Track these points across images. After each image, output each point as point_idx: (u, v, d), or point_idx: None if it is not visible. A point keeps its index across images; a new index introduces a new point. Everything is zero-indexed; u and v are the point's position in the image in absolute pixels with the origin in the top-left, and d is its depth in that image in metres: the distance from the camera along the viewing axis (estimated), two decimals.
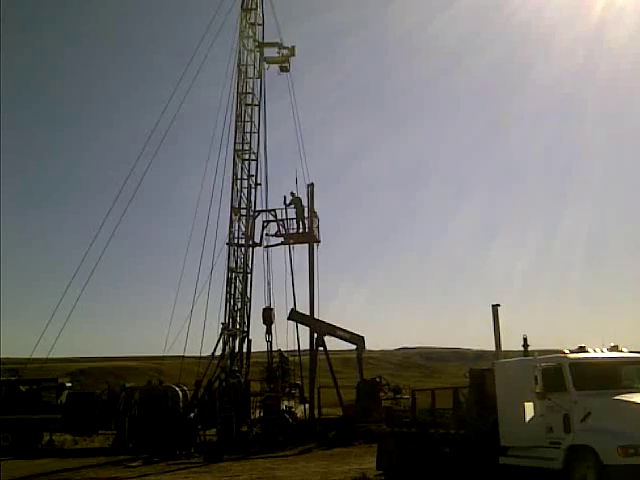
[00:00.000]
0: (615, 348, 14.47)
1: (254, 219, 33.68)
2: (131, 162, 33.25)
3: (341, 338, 34.43)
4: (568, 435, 12.87)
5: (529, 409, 13.88)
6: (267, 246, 34.48)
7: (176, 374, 34.53)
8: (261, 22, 34.47)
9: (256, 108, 33.75)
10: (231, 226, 32.56)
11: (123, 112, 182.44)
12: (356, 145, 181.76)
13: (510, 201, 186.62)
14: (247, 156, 33.21)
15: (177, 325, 31.71)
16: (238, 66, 33.45)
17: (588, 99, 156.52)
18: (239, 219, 32.87)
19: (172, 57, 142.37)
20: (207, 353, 31.52)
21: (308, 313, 33.92)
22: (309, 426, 30.91)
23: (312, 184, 34.83)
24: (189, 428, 29.61)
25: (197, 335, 31.23)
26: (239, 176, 32.94)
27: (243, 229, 32.88)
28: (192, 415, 30.25)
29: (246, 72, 33.59)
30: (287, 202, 34.40)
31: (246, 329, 32.49)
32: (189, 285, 32.27)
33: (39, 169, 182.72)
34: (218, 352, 31.10)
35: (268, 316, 33.06)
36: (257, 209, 33.79)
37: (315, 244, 34.89)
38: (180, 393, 30.74)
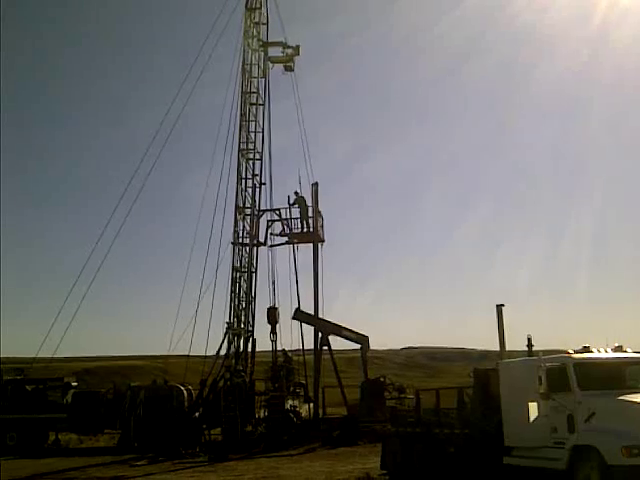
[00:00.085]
0: (619, 348, 14.46)
1: (258, 218, 33.77)
2: (135, 162, 33.43)
3: (346, 338, 34.43)
4: (572, 435, 12.87)
5: (533, 409, 13.90)
6: (271, 245, 34.57)
7: (181, 373, 34.59)
8: (265, 21, 34.59)
9: (260, 107, 33.82)
10: (236, 225, 32.65)
11: (126, 112, 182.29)
12: (361, 145, 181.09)
13: (515, 201, 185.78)
14: (251, 155, 33.27)
15: (182, 324, 31.75)
16: (242, 65, 33.53)
17: (593, 99, 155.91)
18: (244, 218, 32.95)
19: (176, 57, 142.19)
20: (212, 352, 31.65)
21: (312, 313, 33.95)
22: (313, 425, 30.95)
23: (316, 184, 34.87)
24: (194, 427, 29.65)
25: (202, 334, 31.34)
26: (243, 175, 33.02)
27: (248, 228, 32.96)
28: (197, 414, 30.31)
29: (250, 71, 33.68)
30: (291, 202, 34.45)
31: (251, 328, 32.58)
32: (194, 284, 32.34)
33: (40, 169, 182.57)
34: (223, 351, 31.25)
35: (272, 315, 33.11)
36: (261, 208, 33.93)
37: (320, 244, 34.88)
38: (185, 392, 30.80)
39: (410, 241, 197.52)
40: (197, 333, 31.11)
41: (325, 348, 33.88)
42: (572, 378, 13.22)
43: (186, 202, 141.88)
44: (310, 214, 34.52)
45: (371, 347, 35.86)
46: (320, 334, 33.72)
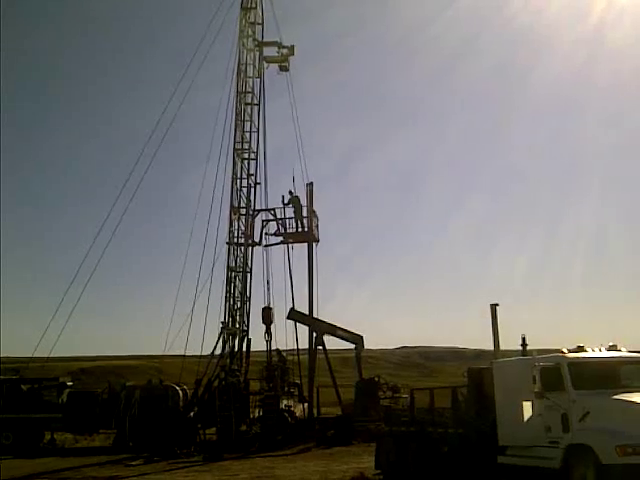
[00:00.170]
0: (614, 347, 14.47)
1: (253, 218, 33.72)
2: (130, 161, 33.31)
3: (340, 337, 34.48)
4: (567, 434, 12.89)
5: (528, 408, 13.90)
6: (266, 245, 34.56)
7: (176, 373, 34.58)
8: (261, 21, 34.51)
9: (256, 107, 33.79)
10: (231, 225, 32.62)
11: (122, 111, 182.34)
12: (356, 145, 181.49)
13: (510, 201, 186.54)
14: (247, 155, 33.25)
15: (177, 324, 31.76)
16: (238, 65, 33.49)
17: (589, 101, 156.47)
18: (239, 218, 32.92)
19: (171, 57, 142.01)
20: (207, 352, 31.61)
21: (307, 312, 33.97)
22: (308, 425, 30.96)
23: (311, 184, 34.90)
24: (189, 427, 29.66)
25: (197, 334, 31.32)
26: (239, 175, 33.00)
27: (243, 228, 32.93)
28: (192, 414, 30.32)
29: (246, 71, 33.63)
30: (285, 201, 34.45)
31: (246, 328, 32.55)
32: (189, 284, 32.33)
33: (36, 168, 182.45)
34: (218, 351, 31.21)
35: (267, 315, 33.09)
36: (256, 208, 33.86)
37: (314, 243, 34.94)
38: (180, 392, 30.83)
39: (405, 241, 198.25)
40: (192, 333, 31.18)
41: (320, 348, 33.91)
42: (566, 377, 13.22)
43: (181, 202, 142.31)
44: (305, 214, 34.55)
45: (365, 347, 35.98)
46: (315, 334, 33.76)
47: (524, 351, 15.54)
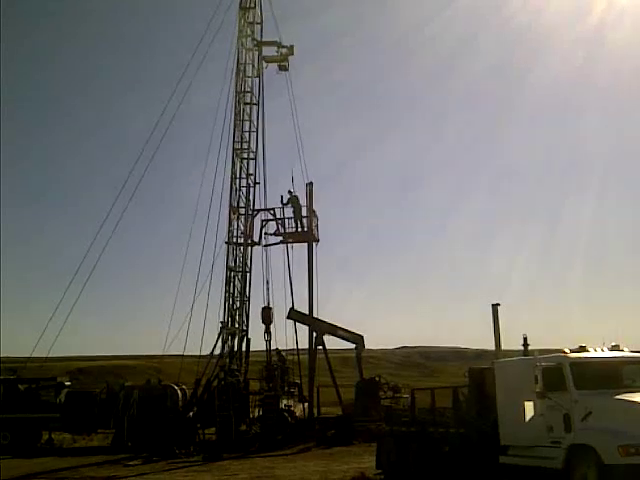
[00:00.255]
0: (616, 347, 14.44)
1: (253, 218, 33.65)
2: (130, 161, 33.24)
3: (340, 337, 34.40)
4: (569, 434, 12.83)
5: (529, 408, 13.85)
6: (266, 245, 34.48)
7: (175, 373, 34.52)
8: (259, 21, 34.44)
9: (255, 107, 33.71)
10: (230, 225, 32.53)
11: (121, 111, 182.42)
12: (355, 144, 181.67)
13: (510, 200, 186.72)
14: (246, 155, 33.15)
15: (177, 324, 31.72)
16: (237, 65, 33.41)
17: (588, 101, 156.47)
18: (238, 218, 32.84)
19: (170, 56, 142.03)
20: (207, 352, 31.55)
21: (307, 312, 33.89)
22: (308, 425, 30.88)
23: (311, 183, 34.79)
24: (188, 427, 29.57)
25: (197, 334, 31.25)
26: (238, 175, 32.91)
27: (242, 228, 32.85)
28: (191, 414, 30.25)
29: (245, 71, 33.54)
30: (284, 201, 34.36)
31: (245, 328, 32.49)
32: (189, 284, 32.27)
33: (36, 168, 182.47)
34: (217, 351, 31.13)
35: (267, 315, 33.04)
36: (256, 208, 33.79)
37: (314, 243, 34.84)
38: (179, 392, 30.75)
39: (405, 240, 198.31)
40: (191, 333, 31.11)
41: (320, 348, 33.83)
42: (568, 377, 13.17)
43: (180, 202, 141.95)
44: (304, 213, 34.46)
45: (366, 346, 35.88)
46: (315, 334, 33.67)
47: (526, 351, 15.52)
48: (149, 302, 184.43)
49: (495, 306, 16.65)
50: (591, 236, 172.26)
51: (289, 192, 34.35)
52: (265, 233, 34.38)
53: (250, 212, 33.28)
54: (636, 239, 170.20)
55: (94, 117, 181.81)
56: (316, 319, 33.80)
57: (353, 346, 34.77)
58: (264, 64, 34.58)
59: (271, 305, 33.53)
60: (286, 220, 34.47)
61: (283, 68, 35.17)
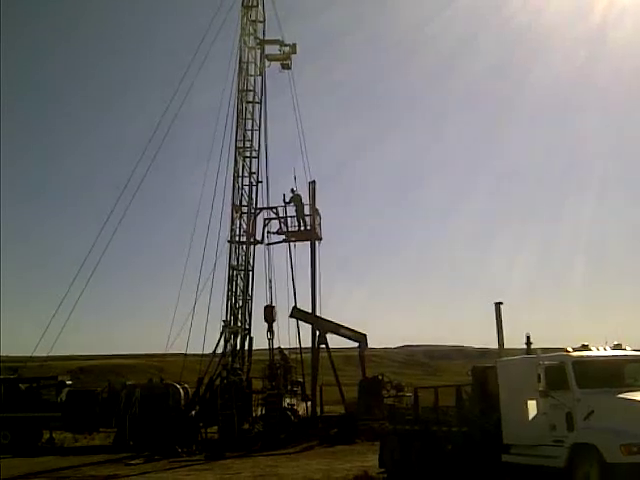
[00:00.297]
0: (618, 346, 14.43)
1: (255, 217, 33.64)
2: (132, 160, 33.25)
3: (343, 336, 34.35)
4: (571, 433, 12.82)
5: (532, 407, 13.85)
6: (268, 244, 34.47)
7: (177, 372, 34.51)
8: (262, 19, 34.38)
9: (257, 105, 33.68)
10: (232, 224, 32.51)
11: (124, 110, 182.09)
12: (355, 144, 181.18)
13: (510, 200, 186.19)
14: (248, 153, 33.15)
15: (179, 322, 31.72)
16: (239, 63, 33.40)
17: (588, 102, 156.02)
18: (240, 217, 32.82)
19: (173, 55, 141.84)
20: (209, 351, 31.53)
21: (310, 311, 33.84)
22: (311, 424, 30.85)
23: (314, 181, 34.68)
24: (190, 426, 29.52)
25: (199, 333, 31.24)
26: (240, 174, 32.90)
27: (244, 227, 32.84)
28: (193, 413, 30.21)
29: (247, 69, 33.54)
30: (287, 199, 34.31)
31: (248, 327, 32.50)
32: (191, 283, 32.22)
33: (37, 167, 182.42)
34: (220, 350, 31.14)
35: (269, 314, 33.03)
36: (258, 206, 33.76)
37: (317, 241, 34.75)
38: (181, 391, 30.72)
39: (408, 238, 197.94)
40: (194, 331, 31.14)
41: (322, 346, 33.78)
42: (571, 376, 13.15)
43: (183, 201, 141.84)
44: (307, 212, 34.41)
45: (369, 345, 35.84)
46: (317, 332, 33.62)
47: (528, 350, 15.46)
48: (151, 301, 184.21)
49: (498, 305, 16.63)
50: (591, 236, 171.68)
51: (292, 190, 34.31)
52: (268, 232, 34.42)
53: (252, 211, 33.26)
54: (636, 239, 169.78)
55: (94, 116, 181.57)
56: (319, 318, 33.74)
57: (356, 345, 34.75)
58: (266, 63, 34.56)
59: (274, 304, 33.58)
60: (289, 219, 34.44)
61: (286, 67, 35.13)
